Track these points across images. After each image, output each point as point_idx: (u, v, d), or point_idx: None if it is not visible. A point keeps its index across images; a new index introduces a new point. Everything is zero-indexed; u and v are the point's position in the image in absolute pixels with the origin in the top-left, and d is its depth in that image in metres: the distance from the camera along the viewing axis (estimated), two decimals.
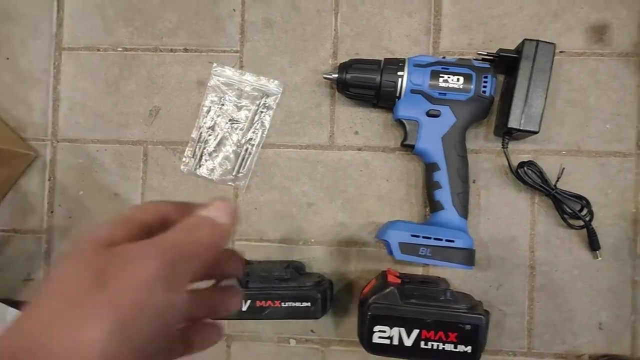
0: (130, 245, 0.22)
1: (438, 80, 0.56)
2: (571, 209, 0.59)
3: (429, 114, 0.57)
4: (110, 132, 0.67)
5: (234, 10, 0.66)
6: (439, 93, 0.56)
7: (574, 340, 0.62)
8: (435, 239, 0.54)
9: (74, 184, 0.67)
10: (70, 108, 0.67)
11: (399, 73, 0.56)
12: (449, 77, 0.55)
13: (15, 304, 0.62)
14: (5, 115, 0.68)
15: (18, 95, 0.68)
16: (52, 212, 0.67)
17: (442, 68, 0.56)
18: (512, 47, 0.60)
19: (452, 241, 0.54)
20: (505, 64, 0.60)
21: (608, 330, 0.61)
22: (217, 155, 0.66)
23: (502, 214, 0.62)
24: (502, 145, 0.60)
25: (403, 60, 0.57)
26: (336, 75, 0.59)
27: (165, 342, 0.22)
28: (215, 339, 0.29)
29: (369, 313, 0.52)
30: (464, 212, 0.56)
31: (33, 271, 0.67)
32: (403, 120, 0.58)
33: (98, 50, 0.67)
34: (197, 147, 0.66)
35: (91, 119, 0.67)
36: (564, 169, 0.60)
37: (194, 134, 0.66)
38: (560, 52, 0.61)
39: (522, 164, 0.60)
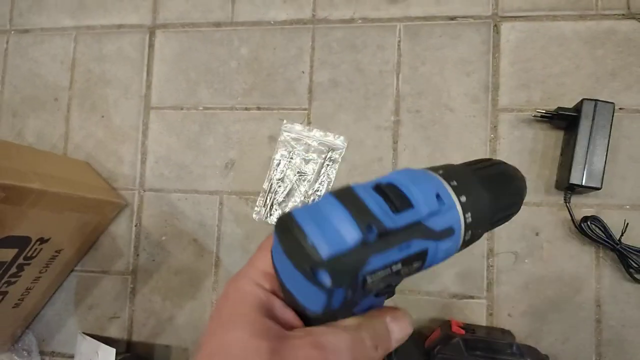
0: (301, 344, 0.21)
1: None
2: (637, 264, 0.59)
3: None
4: (190, 183, 0.73)
5: (302, 72, 0.73)
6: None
7: None
8: None
9: (157, 229, 0.73)
10: (156, 161, 0.75)
11: None
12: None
13: (103, 340, 0.68)
14: (99, 167, 0.76)
15: (110, 149, 0.76)
16: (137, 255, 0.74)
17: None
18: (571, 104, 0.62)
19: None
20: (565, 121, 0.62)
21: None
22: (286, 205, 0.71)
23: (567, 267, 0.63)
24: (565, 199, 0.61)
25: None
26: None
27: None
28: None
29: None
30: None
31: (119, 310, 0.73)
32: None
33: (181, 109, 0.75)
34: (268, 197, 0.71)
35: (174, 171, 0.74)
36: (627, 224, 0.61)
37: (265, 185, 0.71)
38: (620, 109, 0.63)
39: (585, 219, 0.61)
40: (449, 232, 0.24)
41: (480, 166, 0.28)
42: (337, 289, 0.20)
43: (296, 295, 0.22)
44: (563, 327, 0.62)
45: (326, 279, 0.20)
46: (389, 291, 0.24)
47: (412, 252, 0.22)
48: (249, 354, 0.20)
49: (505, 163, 0.30)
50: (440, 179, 0.25)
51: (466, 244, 0.26)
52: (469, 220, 0.24)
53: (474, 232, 0.25)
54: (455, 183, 0.25)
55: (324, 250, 0.20)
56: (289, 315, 0.23)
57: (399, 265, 0.22)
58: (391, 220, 0.21)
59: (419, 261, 0.23)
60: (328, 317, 0.23)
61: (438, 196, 0.24)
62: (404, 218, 0.22)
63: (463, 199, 0.24)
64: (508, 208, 0.28)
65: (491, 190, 0.26)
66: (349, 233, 0.20)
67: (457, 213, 0.24)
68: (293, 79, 0.73)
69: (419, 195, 0.23)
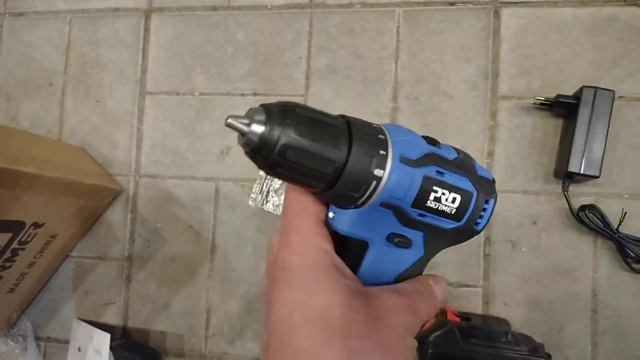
0: (383, 294, 0.25)
1: (428, 195, 0.26)
2: (634, 253, 0.59)
3: (391, 240, 0.28)
4: (186, 169, 0.73)
5: (300, 57, 0.72)
6: (419, 214, 0.27)
7: None
8: None
9: (153, 216, 0.73)
10: (152, 147, 0.74)
11: (377, 171, 0.25)
12: (443, 194, 0.27)
13: (98, 326, 0.68)
14: (94, 152, 0.76)
15: (106, 134, 0.76)
16: (133, 241, 0.73)
17: (438, 173, 0.27)
18: (571, 91, 0.62)
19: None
20: (564, 109, 0.61)
21: None
22: (282, 192, 0.70)
23: (564, 256, 0.63)
24: (563, 188, 0.61)
25: (385, 143, 0.25)
26: (257, 132, 0.22)
27: None
28: None
29: (429, 351, 0.54)
30: None
31: (115, 296, 0.73)
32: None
33: (177, 94, 0.74)
34: (264, 184, 0.70)
35: (169, 157, 0.74)
36: (625, 213, 0.60)
37: (261, 172, 0.71)
38: (620, 97, 0.62)
39: (583, 208, 0.60)
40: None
41: None
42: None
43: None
44: (559, 316, 0.62)
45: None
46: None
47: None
48: (348, 313, 0.23)
49: None
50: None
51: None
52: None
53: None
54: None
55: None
56: (347, 270, 0.26)
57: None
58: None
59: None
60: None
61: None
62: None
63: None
64: None
65: None
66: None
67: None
68: (290, 64, 0.72)
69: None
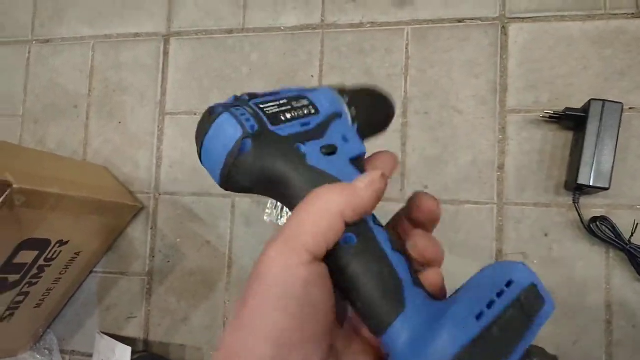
0: None
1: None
2: None
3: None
4: (204, 186, 0.75)
5: (312, 76, 0.74)
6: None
7: None
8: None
9: (172, 232, 0.76)
10: (171, 166, 0.77)
11: None
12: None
13: (120, 339, 0.71)
14: (116, 171, 0.79)
15: (127, 154, 0.79)
16: (153, 257, 0.76)
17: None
18: (580, 104, 0.62)
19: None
20: (573, 122, 0.62)
21: None
22: None
23: (576, 268, 0.63)
24: (573, 200, 0.61)
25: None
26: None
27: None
28: None
29: None
30: None
31: (136, 310, 0.76)
32: None
33: (195, 114, 0.77)
34: None
35: (188, 175, 0.76)
36: (638, 224, 0.60)
37: None
38: (630, 108, 0.63)
39: (594, 219, 0.61)
40: (314, 89, 0.30)
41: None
42: (232, 108, 0.26)
43: (224, 133, 0.26)
44: (573, 328, 0.62)
45: (215, 106, 0.26)
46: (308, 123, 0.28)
47: (290, 95, 0.28)
48: None
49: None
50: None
51: (355, 120, 0.31)
52: (347, 98, 0.30)
53: (357, 112, 0.31)
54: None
55: (218, 104, 0.27)
56: None
57: (285, 100, 0.28)
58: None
59: (303, 99, 0.28)
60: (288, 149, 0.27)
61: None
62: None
63: (341, 91, 0.31)
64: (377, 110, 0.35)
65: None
66: (228, 100, 0.27)
67: (328, 90, 0.30)
68: (303, 83, 0.74)
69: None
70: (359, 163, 0.28)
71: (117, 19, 0.82)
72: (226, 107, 0.26)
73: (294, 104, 0.28)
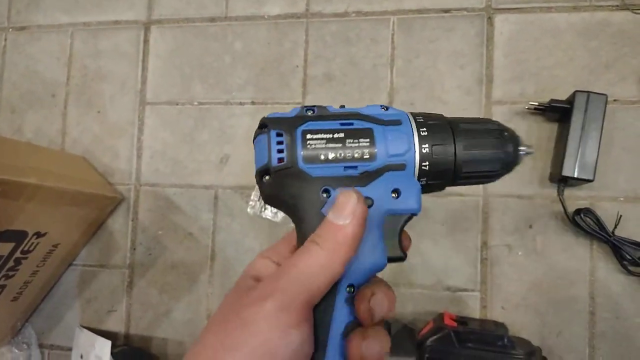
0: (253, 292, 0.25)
1: None
2: (631, 256, 0.59)
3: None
4: (186, 178, 0.74)
5: (297, 66, 0.73)
6: None
7: None
8: None
9: (153, 224, 0.74)
10: (152, 156, 0.75)
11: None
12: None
13: (101, 333, 0.69)
14: (95, 162, 0.77)
15: (107, 144, 0.77)
16: (134, 249, 0.74)
17: None
18: (565, 96, 0.62)
19: None
20: (558, 113, 0.62)
21: None
22: None
23: (560, 260, 0.63)
24: (558, 192, 0.61)
25: None
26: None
27: None
28: None
29: (426, 356, 0.54)
30: None
31: (116, 303, 0.74)
32: None
33: (176, 104, 0.75)
34: None
35: (169, 166, 0.75)
36: (621, 216, 0.60)
37: None
38: (614, 100, 0.63)
39: (578, 211, 0.60)
40: (395, 122, 0.27)
41: (463, 119, 0.29)
42: (272, 131, 0.26)
43: (256, 155, 0.27)
44: (557, 319, 0.62)
45: (265, 122, 0.26)
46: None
47: (354, 127, 0.26)
48: (226, 303, 0.26)
49: (499, 123, 0.29)
50: (409, 114, 0.29)
51: (424, 175, 0.27)
52: (426, 149, 0.26)
53: (434, 168, 0.27)
54: (420, 119, 0.28)
55: (268, 116, 0.27)
56: (269, 269, 0.27)
57: (342, 134, 0.26)
58: (332, 109, 0.28)
59: (366, 138, 0.26)
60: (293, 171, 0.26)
61: (386, 107, 0.29)
62: (346, 110, 0.28)
63: (423, 131, 0.27)
64: (479, 163, 0.28)
65: (461, 137, 0.27)
66: (292, 112, 0.27)
67: (405, 115, 0.27)
68: (287, 73, 0.73)
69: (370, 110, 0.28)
70: (397, 221, 0.26)
71: (96, 6, 0.80)
72: (272, 125, 0.26)
73: (350, 142, 0.25)
